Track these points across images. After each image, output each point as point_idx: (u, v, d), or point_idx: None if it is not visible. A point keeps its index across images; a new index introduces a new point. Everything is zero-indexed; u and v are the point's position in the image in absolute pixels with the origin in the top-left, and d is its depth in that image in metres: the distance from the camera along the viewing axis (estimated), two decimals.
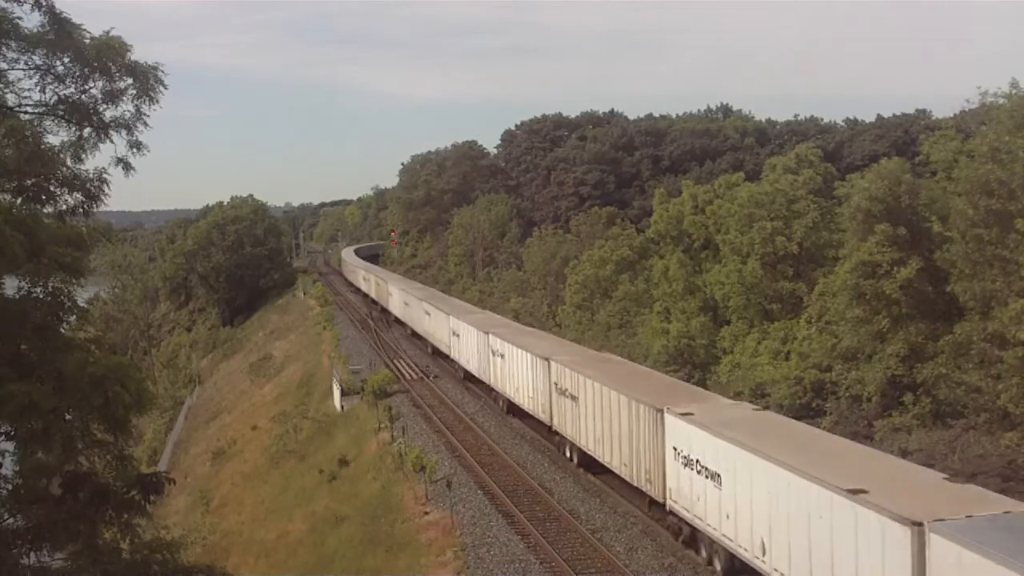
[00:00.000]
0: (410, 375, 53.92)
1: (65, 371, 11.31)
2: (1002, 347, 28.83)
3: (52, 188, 12.80)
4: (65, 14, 12.24)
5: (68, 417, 11.68)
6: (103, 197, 13.12)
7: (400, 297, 72.75)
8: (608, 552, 26.14)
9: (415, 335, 66.84)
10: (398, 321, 74.57)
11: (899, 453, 27.82)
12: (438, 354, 57.90)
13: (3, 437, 12.12)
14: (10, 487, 12.58)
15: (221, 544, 40.80)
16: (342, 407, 49.99)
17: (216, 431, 63.21)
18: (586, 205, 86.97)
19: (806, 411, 35.67)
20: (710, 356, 46.16)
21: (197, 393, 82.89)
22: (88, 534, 12.32)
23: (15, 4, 12.07)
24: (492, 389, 44.91)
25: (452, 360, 53.24)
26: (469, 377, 49.65)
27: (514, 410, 41.80)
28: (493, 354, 43.54)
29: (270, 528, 39.58)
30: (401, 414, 43.63)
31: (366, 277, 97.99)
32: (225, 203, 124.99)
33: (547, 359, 36.58)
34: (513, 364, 40.71)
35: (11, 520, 12.40)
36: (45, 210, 12.94)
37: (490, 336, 44.02)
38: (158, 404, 65.64)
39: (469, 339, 48.37)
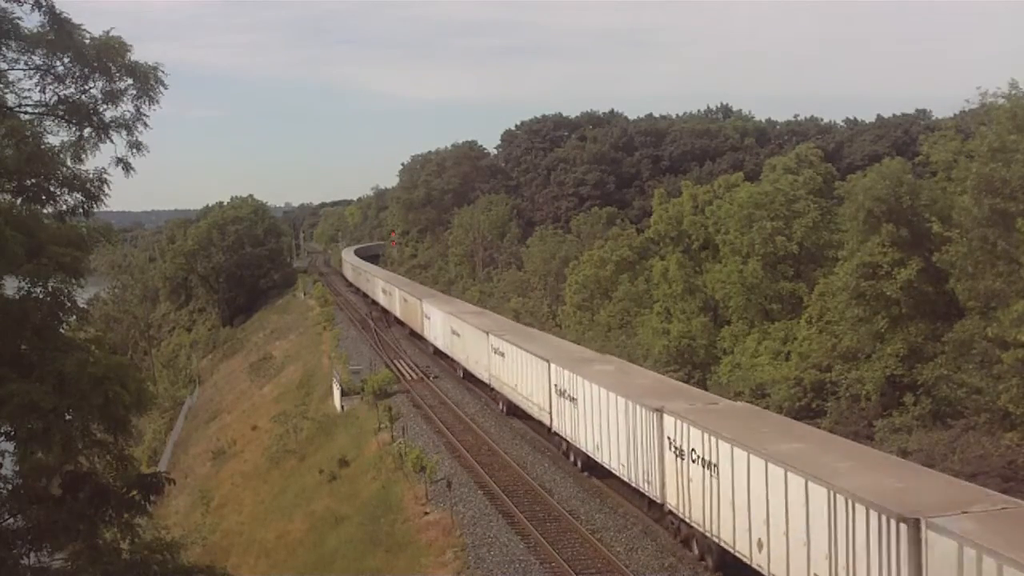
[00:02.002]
0: (410, 375, 53.90)
1: (65, 371, 11.30)
2: (1003, 348, 28.83)
3: (52, 188, 12.79)
4: (65, 14, 12.24)
5: (68, 417, 11.67)
6: (103, 197, 13.11)
7: (445, 323, 54.56)
8: (608, 552, 26.14)
9: (468, 377, 50.11)
10: (438, 353, 57.86)
11: (899, 453, 27.82)
12: (516, 413, 41.57)
13: (3, 437, 12.12)
14: (10, 487, 12.58)
15: (221, 544, 40.81)
16: (342, 407, 49.99)
17: (216, 431, 63.19)
18: (586, 205, 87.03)
19: (806, 411, 35.68)
20: (710, 356, 46.16)
21: (197, 393, 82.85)
22: (88, 534, 12.32)
23: (15, 4, 12.07)
24: (662, 505, 27.01)
25: (553, 431, 36.16)
26: (591, 466, 32.75)
27: (703, 549, 24.97)
28: (675, 450, 25.53)
29: (270, 528, 39.58)
30: (401, 414, 43.63)
31: (387, 289, 78.77)
32: (225, 203, 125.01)
33: (872, 503, 17.21)
34: (735, 475, 22.45)
35: (11, 520, 12.40)
36: (45, 210, 12.93)
37: (667, 417, 26.02)
38: (158, 404, 65.70)
39: (604, 409, 30.35)
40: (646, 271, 57.23)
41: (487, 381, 45.51)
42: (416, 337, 65.78)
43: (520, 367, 39.63)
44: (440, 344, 56.45)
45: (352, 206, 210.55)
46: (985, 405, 29.71)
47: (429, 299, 61.94)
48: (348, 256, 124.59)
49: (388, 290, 78.05)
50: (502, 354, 42.08)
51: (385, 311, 79.61)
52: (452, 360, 53.74)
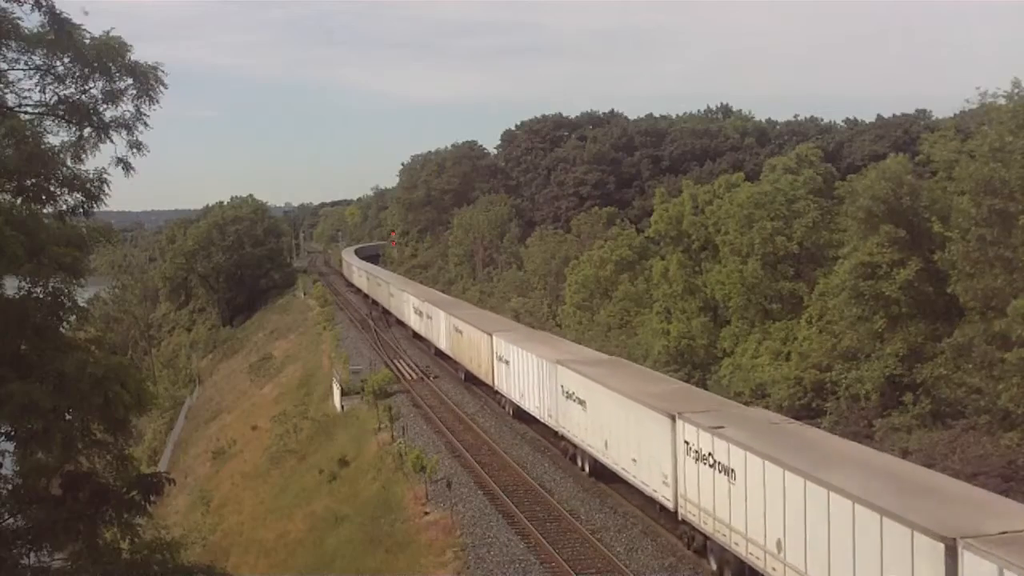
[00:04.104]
0: (410, 375, 53.88)
1: (65, 371, 11.30)
2: (1004, 347, 28.82)
3: (52, 188, 12.79)
4: (65, 14, 12.23)
5: (68, 417, 11.69)
6: (103, 197, 13.11)
7: (546, 377, 36.37)
8: (608, 552, 26.14)
9: (600, 471, 32.16)
10: (520, 415, 40.94)
11: (899, 453, 27.84)
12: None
13: (3, 437, 12.13)
14: (10, 487, 12.59)
15: (221, 544, 40.82)
16: (342, 407, 49.98)
17: (216, 431, 63.21)
18: (586, 205, 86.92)
19: (806, 411, 35.69)
20: (710, 356, 46.16)
21: (197, 393, 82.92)
22: (88, 534, 12.32)
23: (15, 4, 12.06)
24: None
25: None
26: None
27: None
28: None
29: (270, 528, 39.59)
30: (401, 414, 43.61)
31: (424, 311, 60.70)
32: (225, 203, 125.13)
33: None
34: None
35: (11, 520, 12.41)
36: (45, 210, 12.93)
37: None
38: (158, 404, 65.59)
39: None
40: (646, 271, 57.24)
41: (666, 502, 26.83)
42: (473, 381, 48.82)
43: (783, 501, 20.94)
44: (531, 406, 38.83)
45: (352, 206, 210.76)
46: (985, 407, 29.70)
47: (509, 335, 43.39)
48: (354, 259, 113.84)
49: (426, 312, 59.95)
50: (726, 470, 23.08)
51: (417, 336, 64.57)
52: (554, 431, 36.43)
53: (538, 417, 38.32)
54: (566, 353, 37.62)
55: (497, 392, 44.39)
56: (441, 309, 56.37)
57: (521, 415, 40.98)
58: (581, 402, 32.79)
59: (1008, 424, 29.00)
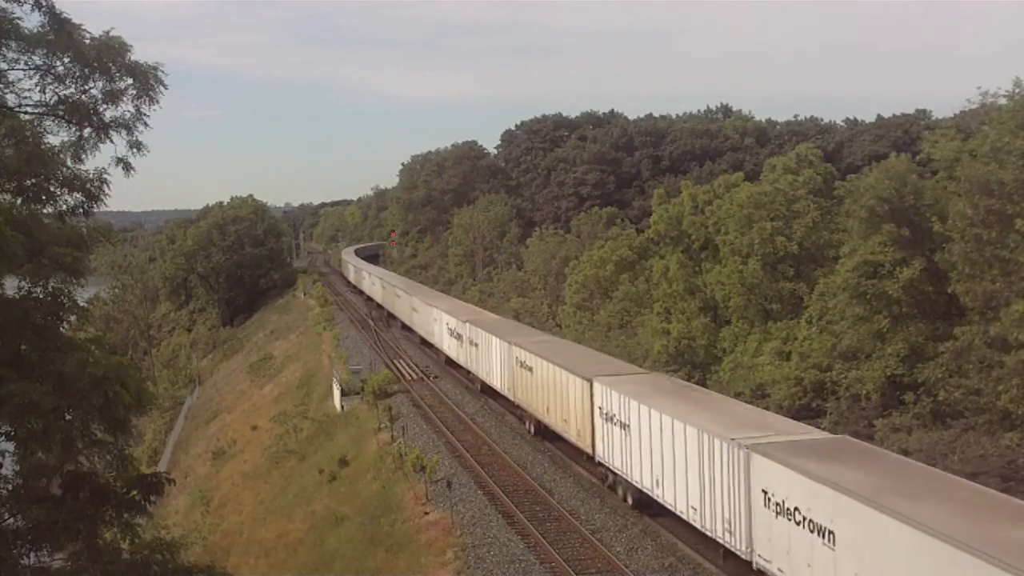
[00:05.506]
0: (410, 375, 53.84)
1: (65, 371, 11.32)
2: (1003, 350, 28.82)
3: (52, 188, 12.82)
4: (65, 14, 12.25)
5: (68, 417, 11.69)
6: (103, 197, 13.14)
7: (724, 465, 22.24)
8: (608, 552, 26.13)
9: None
10: (648, 505, 27.79)
11: (899, 453, 27.84)
12: None
13: (3, 437, 12.13)
14: (10, 487, 12.59)
15: (221, 544, 40.80)
16: (342, 407, 49.96)
17: (216, 431, 63.21)
18: (586, 205, 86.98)
19: (806, 411, 35.69)
20: (710, 356, 46.16)
21: (197, 393, 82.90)
22: (88, 534, 12.32)
23: (15, 4, 12.08)
24: None
25: None
26: None
27: None
28: None
29: (270, 528, 39.57)
30: (401, 414, 43.60)
31: (467, 334, 47.24)
32: (225, 203, 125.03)
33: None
34: None
35: (11, 520, 12.41)
36: (45, 210, 12.96)
37: None
38: (158, 404, 65.58)
39: None
40: (646, 271, 57.26)
41: None
42: (548, 436, 36.85)
43: None
44: (679, 504, 25.31)
45: (352, 206, 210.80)
46: (985, 407, 29.71)
47: (627, 385, 29.59)
48: (361, 263, 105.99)
49: (469, 335, 47.02)
50: None
51: (450, 360, 52.70)
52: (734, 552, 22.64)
53: (698, 526, 24.35)
54: (753, 426, 23.47)
55: (600, 464, 31.06)
56: (495, 335, 42.57)
57: (649, 506, 27.84)
58: (821, 532, 18.88)
59: (1008, 424, 29.02)
